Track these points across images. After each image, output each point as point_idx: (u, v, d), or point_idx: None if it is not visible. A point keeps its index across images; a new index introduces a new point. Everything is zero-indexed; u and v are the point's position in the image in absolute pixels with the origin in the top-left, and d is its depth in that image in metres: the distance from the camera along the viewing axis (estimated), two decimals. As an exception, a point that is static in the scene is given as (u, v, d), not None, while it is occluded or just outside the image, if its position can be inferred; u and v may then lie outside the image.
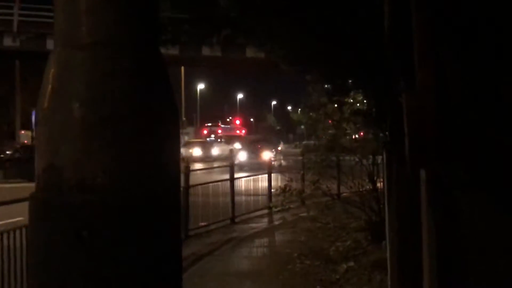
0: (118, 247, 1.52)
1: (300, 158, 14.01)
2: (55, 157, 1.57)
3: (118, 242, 1.53)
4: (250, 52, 30.58)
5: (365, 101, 10.99)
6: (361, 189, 10.60)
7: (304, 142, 12.31)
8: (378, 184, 10.02)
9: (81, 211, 1.52)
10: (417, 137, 3.02)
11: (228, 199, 13.86)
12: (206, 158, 42.15)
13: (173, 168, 1.65)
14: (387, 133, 6.77)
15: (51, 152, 1.58)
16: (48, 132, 1.60)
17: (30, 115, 39.80)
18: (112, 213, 1.52)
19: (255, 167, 17.69)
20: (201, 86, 73.46)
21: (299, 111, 13.75)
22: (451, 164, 2.66)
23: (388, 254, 6.53)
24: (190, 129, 65.70)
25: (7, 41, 34.58)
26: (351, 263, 8.51)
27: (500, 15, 3.06)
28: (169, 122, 1.65)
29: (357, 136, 11.89)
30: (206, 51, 32.28)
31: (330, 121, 11.65)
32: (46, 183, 1.59)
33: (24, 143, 37.99)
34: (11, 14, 34.97)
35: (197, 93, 72.13)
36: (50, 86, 1.62)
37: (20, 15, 34.92)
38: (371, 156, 10.50)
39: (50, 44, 33.26)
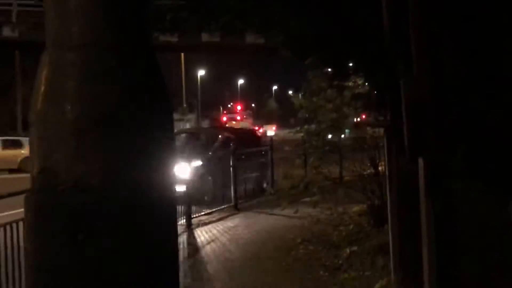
0: (113, 248, 1.53)
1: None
2: (50, 158, 1.57)
3: (114, 243, 1.53)
4: (249, 38, 30.43)
5: (366, 83, 10.98)
6: (363, 173, 10.61)
7: (305, 127, 12.27)
8: (380, 168, 10.02)
9: (76, 212, 1.52)
10: (415, 124, 3.02)
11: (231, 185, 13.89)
12: None
13: (167, 167, 1.65)
14: (387, 117, 6.77)
15: (45, 154, 1.58)
16: (41, 134, 1.60)
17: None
18: (107, 213, 1.53)
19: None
20: (201, 72, 73.32)
21: (299, 96, 13.73)
22: (449, 152, 2.66)
23: (390, 238, 6.55)
24: (191, 116, 65.66)
25: (6, 31, 34.46)
26: (354, 248, 8.54)
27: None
28: (162, 121, 1.65)
29: (358, 119, 11.89)
30: (205, 37, 32.15)
31: (330, 106, 11.63)
32: (41, 184, 1.59)
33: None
34: (10, 4, 34.85)
35: (197, 80, 72.02)
36: (42, 88, 1.62)
37: (19, 5, 34.79)
38: (372, 141, 10.49)
39: (49, 34, 33.16)
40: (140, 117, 1.58)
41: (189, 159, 13.82)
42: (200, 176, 14.37)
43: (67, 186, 1.53)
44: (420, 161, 2.67)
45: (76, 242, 1.49)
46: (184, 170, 12.76)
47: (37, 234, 1.56)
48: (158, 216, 1.59)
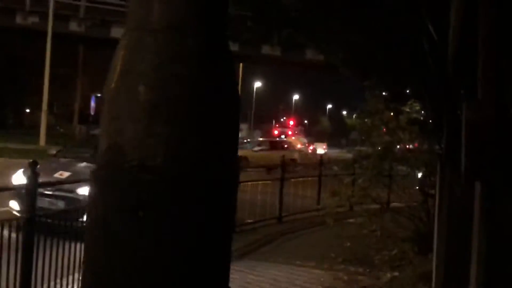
0: (172, 226, 1.56)
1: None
2: (119, 136, 1.61)
3: (173, 222, 1.56)
4: (309, 54, 30.50)
5: (422, 111, 10.88)
6: (411, 200, 10.48)
7: (356, 148, 12.21)
8: (429, 196, 9.88)
9: (139, 189, 1.56)
10: (475, 146, 2.98)
11: (277, 198, 13.86)
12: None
13: (232, 154, 1.68)
14: (442, 145, 6.69)
15: (115, 131, 1.63)
16: (113, 112, 1.64)
17: (89, 99, 40.61)
18: (170, 193, 1.56)
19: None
20: (258, 84, 73.67)
21: (354, 117, 13.67)
22: (509, 178, 2.61)
23: (434, 266, 6.44)
24: (244, 126, 66.05)
25: (73, 26, 35.33)
26: (396, 273, 8.43)
27: None
28: (230, 108, 1.68)
29: (411, 146, 11.77)
30: (266, 50, 32.37)
31: (384, 129, 11.55)
32: (108, 160, 1.63)
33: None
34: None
35: (253, 91, 72.39)
36: (118, 68, 1.67)
37: (87, 0, 35.66)
38: (424, 168, 10.36)
39: (114, 32, 33.89)
40: (210, 102, 1.61)
41: None
42: None
43: (133, 164, 1.57)
44: (477, 184, 2.63)
45: (136, 217, 1.53)
46: None
47: (99, 208, 1.60)
48: (218, 199, 1.61)
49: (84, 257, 1.71)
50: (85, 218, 1.75)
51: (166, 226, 1.58)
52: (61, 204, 8.99)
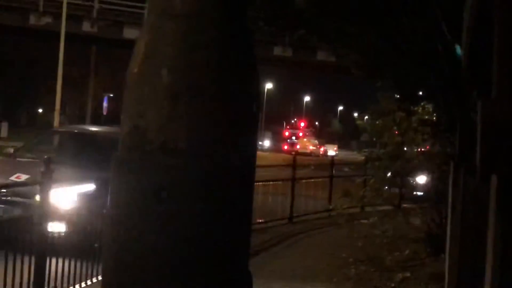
0: (193, 210, 1.58)
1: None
2: (141, 119, 1.64)
3: (194, 205, 1.58)
4: (321, 55, 30.48)
5: (434, 113, 10.87)
6: (423, 201, 10.49)
7: (368, 149, 12.24)
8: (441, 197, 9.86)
9: (162, 172, 1.59)
10: (490, 143, 2.97)
11: (288, 198, 13.86)
12: None
13: (251, 142, 1.70)
14: (455, 146, 6.68)
15: (137, 115, 1.65)
16: (136, 96, 1.67)
17: (102, 99, 40.76)
18: (191, 176, 1.58)
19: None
20: (269, 85, 73.77)
21: (365, 118, 13.68)
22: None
23: (446, 267, 6.43)
24: (254, 128, 65.92)
25: (86, 26, 35.51)
26: (408, 274, 8.42)
27: None
28: (250, 96, 1.71)
29: (423, 149, 11.76)
30: (277, 50, 32.39)
31: (396, 131, 11.54)
32: (130, 143, 1.66)
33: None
34: (92, 0, 35.98)
35: (264, 92, 72.47)
36: (142, 52, 1.69)
37: (100, 1, 35.86)
38: (436, 168, 10.34)
39: (126, 33, 34.04)
40: (230, 89, 1.63)
41: (73, 179, 8.29)
42: (89, 208, 7.21)
43: (154, 146, 1.59)
44: (493, 178, 2.63)
45: (158, 199, 1.55)
46: (64, 198, 7.26)
47: (122, 189, 1.63)
48: (237, 185, 1.63)
49: (105, 245, 1.72)
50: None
51: (188, 208, 1.60)
52: (17, 212, 7.42)
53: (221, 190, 1.62)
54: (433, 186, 10.32)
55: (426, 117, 11.01)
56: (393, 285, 7.99)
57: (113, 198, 1.67)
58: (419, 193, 12.30)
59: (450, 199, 6.62)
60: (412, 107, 10.92)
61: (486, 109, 3.26)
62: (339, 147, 71.59)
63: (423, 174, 11.42)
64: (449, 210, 6.60)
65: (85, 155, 9.83)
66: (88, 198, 7.96)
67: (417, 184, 12.33)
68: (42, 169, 5.45)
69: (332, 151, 62.32)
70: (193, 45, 1.64)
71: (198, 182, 1.60)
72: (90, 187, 8.33)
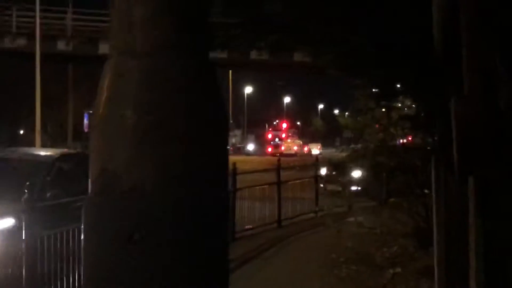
0: (168, 249, 1.58)
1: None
2: (109, 162, 1.64)
3: (169, 244, 1.59)
4: (297, 56, 30.56)
5: (413, 105, 10.92)
6: (408, 195, 10.52)
7: (351, 146, 12.28)
8: (426, 190, 9.91)
9: (133, 214, 1.59)
10: (465, 142, 3.00)
11: (275, 202, 13.87)
12: None
13: (222, 173, 1.70)
14: (435, 138, 6.72)
15: (105, 157, 1.65)
16: (102, 138, 1.67)
17: (82, 116, 40.56)
18: (163, 216, 1.58)
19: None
20: (248, 89, 73.82)
21: (345, 115, 13.74)
22: (500, 169, 2.64)
23: (435, 261, 6.46)
24: (237, 132, 66.12)
25: (61, 45, 35.41)
26: (398, 269, 8.45)
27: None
28: (219, 127, 1.70)
29: (405, 140, 11.82)
30: (253, 54, 32.42)
31: (377, 126, 11.60)
32: (100, 187, 1.66)
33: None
34: (64, 18, 35.86)
35: (244, 96, 72.50)
36: (105, 93, 1.69)
37: (73, 19, 35.76)
38: (419, 162, 10.39)
39: (102, 48, 33.96)
40: (196, 126, 1.63)
41: None
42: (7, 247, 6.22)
43: (124, 189, 1.59)
44: (470, 179, 2.65)
45: (132, 242, 1.55)
46: None
47: (95, 233, 1.63)
48: (210, 220, 1.63)
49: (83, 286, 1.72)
50: None
51: (162, 249, 1.59)
52: None
53: (194, 226, 1.62)
54: (416, 180, 10.35)
55: (406, 110, 11.07)
56: (384, 282, 8.02)
57: (86, 241, 1.67)
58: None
59: (434, 193, 6.66)
60: (391, 103, 10.96)
61: (459, 110, 3.30)
62: (323, 145, 71.78)
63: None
64: (434, 204, 6.63)
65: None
66: (7, 235, 6.35)
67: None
68: None
69: (316, 149, 62.49)
70: (154, 84, 1.64)
71: (170, 220, 1.60)
72: (9, 222, 6.60)
